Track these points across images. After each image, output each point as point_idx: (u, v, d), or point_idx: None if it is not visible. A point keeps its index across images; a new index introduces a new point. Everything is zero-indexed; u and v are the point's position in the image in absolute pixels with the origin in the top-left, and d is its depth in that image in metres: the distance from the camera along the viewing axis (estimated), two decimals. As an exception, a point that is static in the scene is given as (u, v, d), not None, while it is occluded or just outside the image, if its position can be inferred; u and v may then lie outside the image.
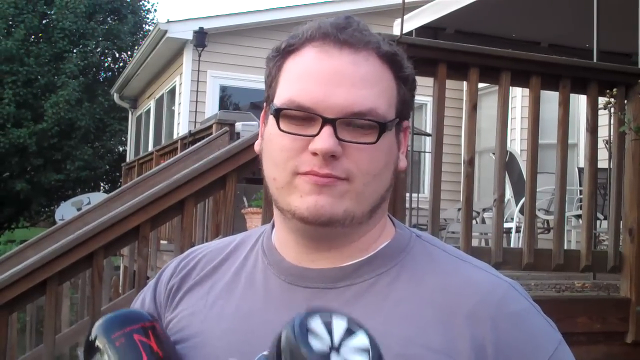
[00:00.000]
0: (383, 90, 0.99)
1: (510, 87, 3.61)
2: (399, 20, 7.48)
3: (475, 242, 6.39)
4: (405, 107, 1.03)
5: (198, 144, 6.51)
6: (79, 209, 11.12)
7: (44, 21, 20.74)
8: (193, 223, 4.73)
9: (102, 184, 22.64)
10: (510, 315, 0.96)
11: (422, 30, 7.23)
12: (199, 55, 10.85)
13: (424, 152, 10.71)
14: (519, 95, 9.12)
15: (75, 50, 20.77)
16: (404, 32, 5.82)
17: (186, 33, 11.00)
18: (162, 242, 7.41)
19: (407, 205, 5.34)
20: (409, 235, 1.07)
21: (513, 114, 9.06)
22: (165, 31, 11.17)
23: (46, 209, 22.85)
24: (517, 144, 9.15)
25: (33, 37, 20.41)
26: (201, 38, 10.79)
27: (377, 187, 1.00)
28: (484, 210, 7.59)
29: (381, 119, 0.97)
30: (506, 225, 5.99)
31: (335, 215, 0.97)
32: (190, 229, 3.97)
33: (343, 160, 0.95)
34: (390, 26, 7.84)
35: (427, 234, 1.10)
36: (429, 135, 8.76)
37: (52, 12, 20.70)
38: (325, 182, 0.95)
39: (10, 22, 19.95)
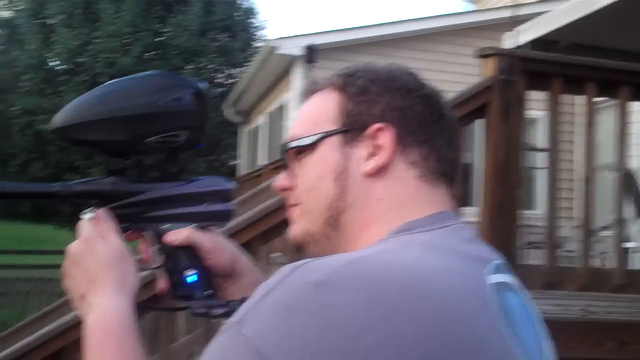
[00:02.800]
0: (309, 115, 1.08)
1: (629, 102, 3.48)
2: (509, 33, 7.35)
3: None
4: (358, 114, 1.04)
5: (307, 159, 6.53)
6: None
7: (159, 39, 21.47)
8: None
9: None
10: None
11: (532, 44, 7.07)
12: (309, 71, 10.94)
13: (535, 168, 10.43)
14: (636, 110, 8.76)
15: (189, 67, 21.40)
16: (513, 46, 5.71)
17: (295, 49, 11.10)
18: (272, 255, 7.46)
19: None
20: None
21: (630, 129, 8.71)
22: (275, 47, 11.31)
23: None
24: (635, 160, 8.79)
25: (149, 54, 21.16)
26: (311, 54, 10.87)
27: (316, 198, 1.03)
28: (602, 228, 7.31)
29: (295, 141, 1.06)
30: (626, 245, 5.75)
31: (296, 237, 1.07)
32: (300, 244, 3.98)
33: (295, 190, 1.07)
34: (495, 40, 7.70)
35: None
36: (539, 150, 8.53)
37: (167, 30, 21.40)
38: (288, 213, 1.08)
39: (128, 40, 20.75)
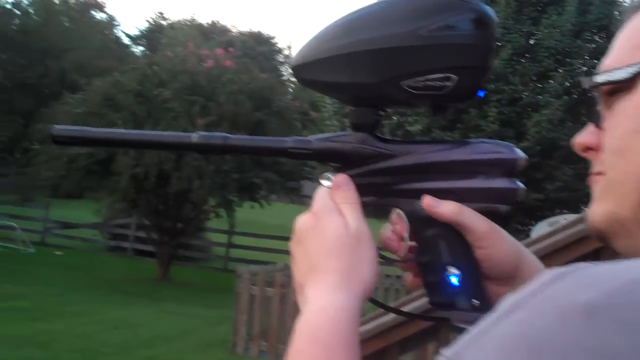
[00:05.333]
0: (630, 37, 0.70)
1: None
2: None
3: None
4: None
5: None
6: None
7: (529, 40, 21.08)
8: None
9: (582, 207, 22.13)
10: None
11: None
12: None
13: None
14: None
15: (560, 69, 20.69)
16: None
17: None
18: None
19: None
20: None
21: None
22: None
23: (525, 227, 23.07)
24: None
25: (518, 56, 20.86)
26: None
27: (627, 165, 0.67)
28: None
29: (603, 75, 0.69)
30: None
31: (595, 222, 0.72)
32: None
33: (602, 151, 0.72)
34: None
35: None
36: None
37: (539, 31, 20.91)
38: (590, 184, 0.74)
39: (498, 43, 20.65)
